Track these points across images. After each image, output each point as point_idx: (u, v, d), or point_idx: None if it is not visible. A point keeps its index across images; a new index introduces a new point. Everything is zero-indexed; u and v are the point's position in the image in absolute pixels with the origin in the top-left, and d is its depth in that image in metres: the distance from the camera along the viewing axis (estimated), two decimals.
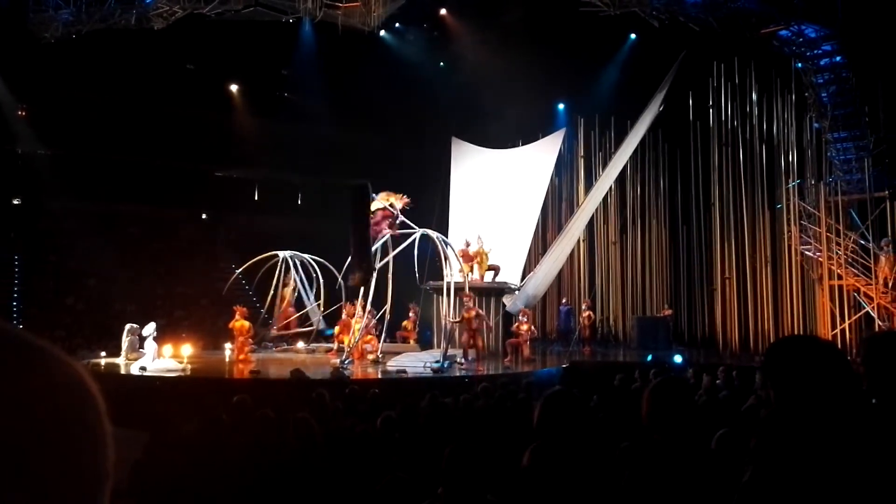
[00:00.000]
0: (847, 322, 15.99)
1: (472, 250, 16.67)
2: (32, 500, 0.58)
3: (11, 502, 0.57)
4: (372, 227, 14.45)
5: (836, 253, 16.15)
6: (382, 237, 14.97)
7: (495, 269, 17.24)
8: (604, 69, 21.43)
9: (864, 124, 16.66)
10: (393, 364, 13.65)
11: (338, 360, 13.57)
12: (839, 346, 13.02)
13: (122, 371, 12.88)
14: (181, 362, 13.31)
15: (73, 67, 19.65)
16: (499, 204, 19.17)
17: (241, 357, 14.08)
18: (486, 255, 16.90)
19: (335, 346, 15.71)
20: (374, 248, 14.51)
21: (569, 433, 2.55)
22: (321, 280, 17.31)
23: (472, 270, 16.39)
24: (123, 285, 19.94)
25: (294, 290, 17.58)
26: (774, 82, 17.97)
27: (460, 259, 15.82)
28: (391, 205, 15.20)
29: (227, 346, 14.97)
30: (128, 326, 14.28)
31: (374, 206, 14.82)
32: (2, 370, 0.61)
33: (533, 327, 16.10)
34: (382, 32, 20.91)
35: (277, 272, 17.22)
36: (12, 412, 0.59)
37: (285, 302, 17.49)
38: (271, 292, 17.28)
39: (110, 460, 0.64)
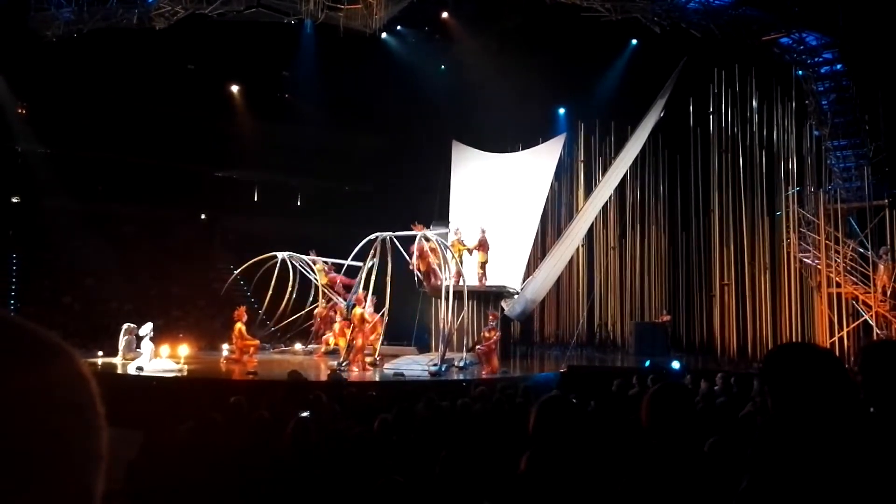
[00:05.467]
0: (845, 330, 15.99)
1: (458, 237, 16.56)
2: (29, 479, 0.59)
3: (7, 479, 0.57)
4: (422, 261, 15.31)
5: (835, 261, 16.16)
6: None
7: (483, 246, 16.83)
8: (605, 74, 21.47)
9: (864, 132, 16.68)
10: (390, 367, 13.67)
11: (334, 363, 13.62)
12: (837, 354, 13.00)
13: (119, 371, 12.87)
14: (178, 363, 13.30)
15: (73, 66, 19.63)
16: (499, 208, 19.17)
17: (235, 357, 14.17)
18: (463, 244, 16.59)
19: (322, 347, 15.77)
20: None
21: (564, 439, 2.54)
22: (318, 281, 17.33)
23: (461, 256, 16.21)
24: (121, 285, 19.90)
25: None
26: (775, 89, 17.98)
27: (452, 251, 15.71)
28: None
29: (225, 346, 14.99)
30: (125, 326, 14.30)
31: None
32: None
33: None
34: (384, 35, 20.90)
35: (276, 273, 17.23)
36: (6, 394, 0.60)
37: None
38: (269, 293, 17.28)
39: (104, 442, 0.65)
